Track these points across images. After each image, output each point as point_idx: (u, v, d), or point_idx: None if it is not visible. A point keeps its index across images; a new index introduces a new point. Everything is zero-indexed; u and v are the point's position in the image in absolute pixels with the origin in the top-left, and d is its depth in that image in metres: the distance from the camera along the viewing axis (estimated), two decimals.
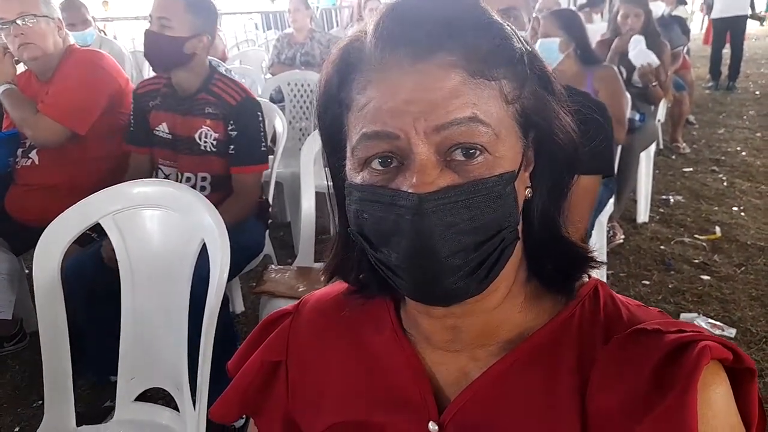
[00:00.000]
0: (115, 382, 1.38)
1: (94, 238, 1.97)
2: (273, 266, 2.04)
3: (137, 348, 1.36)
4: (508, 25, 0.54)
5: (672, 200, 3.69)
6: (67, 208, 1.38)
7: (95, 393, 2.14)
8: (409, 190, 0.49)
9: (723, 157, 4.50)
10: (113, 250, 1.69)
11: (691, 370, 0.48)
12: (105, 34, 5.89)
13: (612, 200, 2.65)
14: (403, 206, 0.49)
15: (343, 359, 0.65)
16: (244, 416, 0.73)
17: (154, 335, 1.35)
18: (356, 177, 0.54)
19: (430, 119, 0.49)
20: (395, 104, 0.50)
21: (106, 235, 1.79)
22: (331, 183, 0.62)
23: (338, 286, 0.70)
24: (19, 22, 2.01)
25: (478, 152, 0.50)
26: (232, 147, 1.93)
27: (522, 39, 0.54)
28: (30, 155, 2.18)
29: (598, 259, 0.59)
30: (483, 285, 0.53)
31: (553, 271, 0.59)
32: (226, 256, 1.20)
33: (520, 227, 0.55)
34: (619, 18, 3.35)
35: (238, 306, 2.58)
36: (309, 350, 0.67)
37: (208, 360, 1.20)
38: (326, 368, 0.66)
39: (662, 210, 3.57)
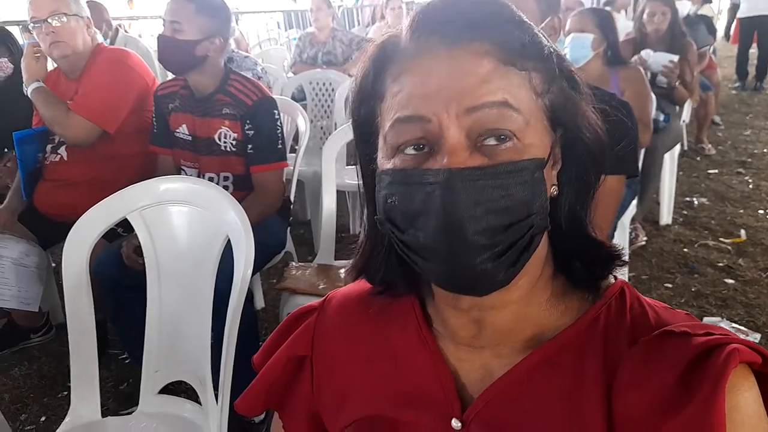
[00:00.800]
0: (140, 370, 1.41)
1: (120, 233, 2.01)
2: (294, 263, 2.06)
3: (162, 341, 1.38)
4: (536, 28, 0.55)
5: (696, 202, 3.64)
6: (94, 204, 1.42)
7: (120, 384, 2.19)
8: (439, 168, 0.50)
9: (749, 159, 4.42)
10: (133, 250, 1.73)
11: (718, 373, 0.48)
12: (127, 32, 5.98)
13: (635, 201, 2.62)
14: (433, 182, 0.50)
15: (368, 355, 0.66)
16: (264, 413, 0.74)
17: (178, 329, 1.38)
18: (387, 164, 0.55)
19: (462, 102, 0.50)
20: (427, 90, 0.51)
21: (131, 231, 1.85)
22: (362, 180, 0.63)
23: (363, 283, 0.71)
24: (50, 20, 2.05)
25: (507, 138, 0.51)
26: (250, 146, 1.95)
27: (549, 42, 0.56)
28: (59, 151, 2.23)
29: (623, 258, 0.59)
30: (511, 272, 0.53)
31: (580, 268, 0.59)
32: (250, 252, 1.22)
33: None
34: (645, 16, 3.31)
35: (259, 302, 2.61)
36: (334, 346, 0.68)
37: (231, 354, 1.22)
38: (351, 364, 0.67)
39: (686, 212, 3.51)
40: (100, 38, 2.30)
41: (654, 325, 0.55)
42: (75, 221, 1.40)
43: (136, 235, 1.69)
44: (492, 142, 0.51)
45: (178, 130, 2.05)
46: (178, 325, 1.38)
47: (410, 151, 0.53)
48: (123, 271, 1.82)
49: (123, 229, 2.00)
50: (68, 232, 1.38)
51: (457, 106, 0.50)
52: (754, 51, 6.88)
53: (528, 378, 0.57)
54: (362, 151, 0.61)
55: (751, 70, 6.97)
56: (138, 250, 1.73)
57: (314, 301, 0.75)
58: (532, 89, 0.53)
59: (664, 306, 0.59)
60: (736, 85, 6.98)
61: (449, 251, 0.51)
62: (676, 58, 3.08)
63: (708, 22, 4.87)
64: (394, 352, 0.65)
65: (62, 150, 2.23)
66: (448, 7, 0.54)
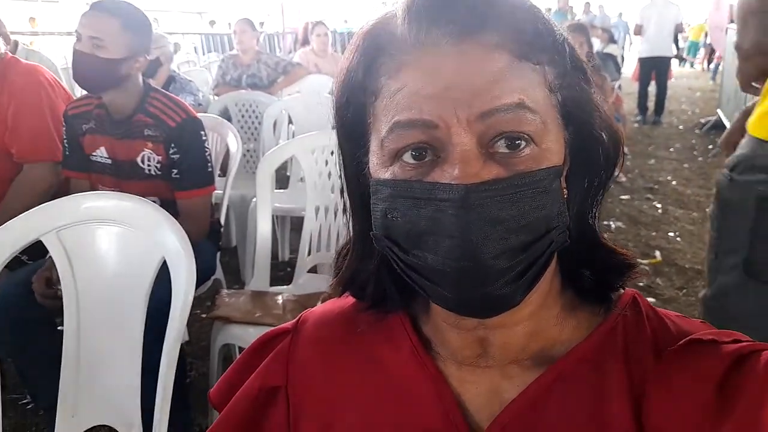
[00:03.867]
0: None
1: (24, 261, 1.79)
2: (225, 290, 1.92)
3: (81, 381, 1.21)
4: (545, 13, 0.50)
5: (613, 226, 3.82)
6: None
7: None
8: (452, 182, 0.44)
9: (656, 186, 4.73)
10: (45, 283, 1.53)
11: (761, 381, 0.45)
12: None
13: None
14: (446, 199, 0.44)
15: (357, 381, 0.58)
16: None
17: (101, 366, 1.21)
18: (384, 172, 0.48)
19: (474, 106, 0.44)
20: (435, 90, 0.44)
21: (38, 258, 1.64)
22: (346, 186, 0.56)
23: (339, 301, 0.63)
24: None
25: (524, 143, 0.45)
26: (175, 171, 1.80)
27: (560, 29, 0.50)
28: None
29: (638, 267, 0.55)
30: (526, 293, 0.48)
31: (591, 279, 0.54)
32: (192, 275, 1.10)
33: None
34: None
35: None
36: (314, 372, 0.60)
37: (168, 394, 1.08)
38: (337, 392, 0.58)
39: (605, 235, 3.64)
40: (1, 47, 2.08)
41: (676, 334, 0.52)
42: None
43: (48, 267, 1.51)
44: (506, 149, 0.45)
45: (94, 153, 1.86)
46: (101, 361, 1.21)
47: (410, 159, 0.46)
48: (28, 303, 1.61)
49: (28, 257, 1.79)
50: None
51: (469, 110, 0.44)
52: (652, 89, 7.48)
53: (545, 399, 0.51)
54: (348, 153, 0.54)
55: (651, 105, 7.56)
56: (50, 283, 1.54)
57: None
58: (546, 85, 0.47)
59: (678, 315, 0.56)
60: (638, 118, 7.54)
61: (463, 276, 0.45)
62: None
63: (614, 60, 5.24)
64: (388, 377, 0.57)
65: None
66: None
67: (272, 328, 0.65)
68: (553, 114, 0.48)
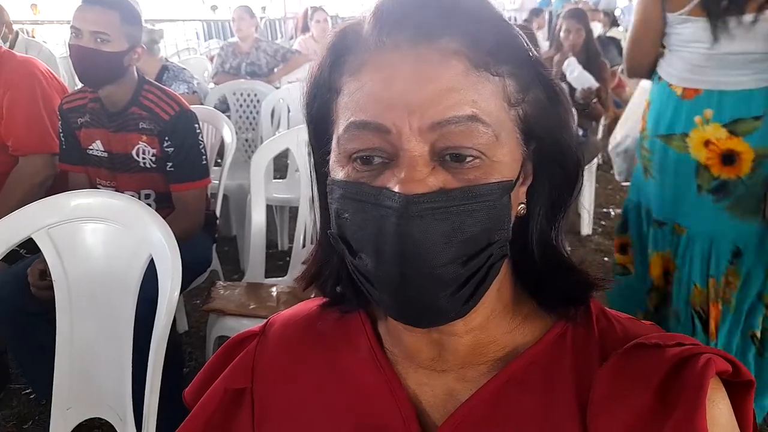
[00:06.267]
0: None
1: (22, 254, 1.82)
2: (221, 282, 1.95)
3: (74, 375, 1.23)
4: (515, 27, 0.51)
5: (612, 213, 3.82)
6: None
7: (23, 422, 1.97)
8: (395, 189, 0.45)
9: None
10: (39, 275, 1.56)
11: (697, 385, 0.46)
12: (33, 37, 5.61)
13: None
14: (388, 207, 0.45)
15: (318, 382, 0.60)
16: None
17: (94, 360, 1.24)
18: (339, 172, 0.49)
19: (426, 116, 0.45)
20: (390, 94, 0.45)
21: (36, 252, 1.66)
22: (315, 184, 0.58)
23: (307, 305, 0.65)
24: None
25: (471, 158, 0.46)
26: (170, 164, 1.82)
27: (528, 44, 0.51)
28: None
29: (602, 284, 0.55)
30: (467, 306, 0.49)
31: (554, 295, 0.55)
32: (177, 272, 1.11)
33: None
34: (561, 33, 3.45)
35: (182, 325, 2.45)
36: (278, 374, 0.61)
37: (156, 387, 1.10)
38: (298, 393, 0.60)
39: (604, 222, 3.67)
40: None
41: (623, 337, 0.53)
42: None
43: (42, 259, 1.54)
44: (453, 161, 0.46)
45: (91, 147, 1.89)
46: (94, 355, 1.24)
47: (359, 163, 0.48)
48: (26, 296, 1.64)
49: (26, 251, 1.81)
50: None
51: (420, 119, 0.45)
52: None
53: (496, 400, 0.52)
54: (316, 149, 0.55)
55: None
56: (44, 275, 1.57)
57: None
58: (505, 98, 0.48)
59: (629, 317, 0.57)
60: None
61: (401, 286, 0.46)
62: (596, 85, 3.23)
63: (617, 44, 5.17)
64: (347, 379, 0.59)
65: None
66: None
67: (242, 331, 0.66)
68: (509, 127, 0.48)
